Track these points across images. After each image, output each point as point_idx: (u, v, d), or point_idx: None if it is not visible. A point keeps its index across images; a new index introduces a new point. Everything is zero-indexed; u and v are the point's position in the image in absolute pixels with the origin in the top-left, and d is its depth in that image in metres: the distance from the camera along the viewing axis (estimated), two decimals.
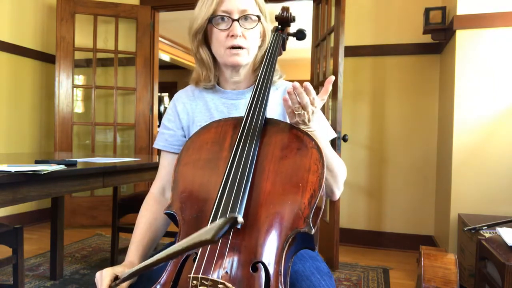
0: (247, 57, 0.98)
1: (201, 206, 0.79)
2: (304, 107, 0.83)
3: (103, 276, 0.78)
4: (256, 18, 0.97)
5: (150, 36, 3.54)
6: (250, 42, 0.97)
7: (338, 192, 0.97)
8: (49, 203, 2.68)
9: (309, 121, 0.85)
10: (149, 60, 3.56)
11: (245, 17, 0.95)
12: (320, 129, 0.91)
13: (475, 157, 2.24)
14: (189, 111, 1.07)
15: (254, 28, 0.97)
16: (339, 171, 0.94)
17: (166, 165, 1.06)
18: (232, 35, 0.94)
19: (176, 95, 1.11)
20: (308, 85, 0.82)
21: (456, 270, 1.55)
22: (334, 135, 1.06)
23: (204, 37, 1.00)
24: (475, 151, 2.24)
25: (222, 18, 0.95)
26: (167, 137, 1.07)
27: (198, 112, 1.06)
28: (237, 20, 0.94)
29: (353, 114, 3.08)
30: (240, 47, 0.95)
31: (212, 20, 0.96)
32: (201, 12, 0.97)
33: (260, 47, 1.04)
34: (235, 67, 1.00)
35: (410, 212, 2.99)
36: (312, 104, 0.83)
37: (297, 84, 0.82)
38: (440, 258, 1.61)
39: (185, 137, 1.07)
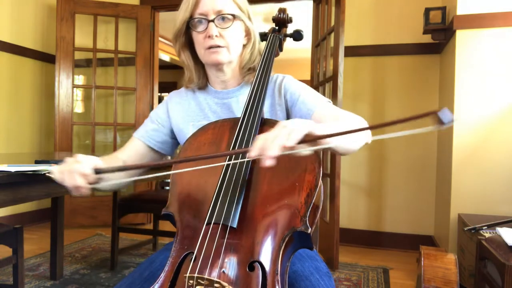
0: (227, 55, 0.99)
1: (199, 207, 0.79)
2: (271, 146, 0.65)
3: (83, 160, 0.77)
4: (232, 17, 0.98)
5: (150, 36, 3.54)
6: (229, 40, 0.98)
7: (369, 138, 0.88)
8: (49, 203, 2.68)
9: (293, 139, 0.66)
10: (149, 60, 3.56)
11: (221, 17, 0.97)
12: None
13: (475, 157, 2.24)
14: (181, 110, 1.08)
15: (230, 27, 0.98)
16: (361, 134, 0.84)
17: (131, 149, 1.08)
18: (209, 36, 0.96)
19: (169, 95, 1.13)
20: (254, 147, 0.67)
21: (456, 270, 1.55)
22: (327, 100, 1.00)
23: (188, 39, 1.03)
24: (475, 151, 2.24)
25: (199, 20, 0.97)
26: (149, 129, 1.09)
27: (192, 112, 1.07)
28: (213, 20, 0.96)
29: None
30: (218, 46, 0.97)
31: (190, 23, 0.98)
32: (179, 16, 0.99)
33: (245, 45, 1.05)
34: (217, 66, 1.01)
35: (410, 212, 2.99)
36: (270, 141, 0.65)
37: (251, 154, 0.66)
38: (440, 258, 1.61)
39: (168, 136, 1.09)
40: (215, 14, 0.96)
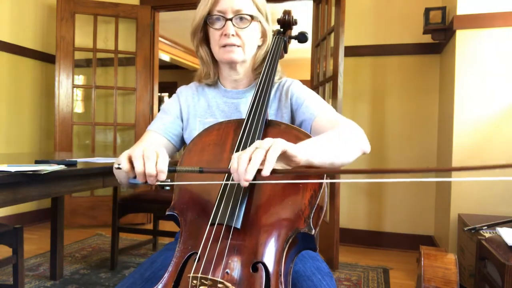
0: (242, 55, 1.00)
1: (203, 207, 0.79)
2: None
3: (162, 153, 0.71)
4: (250, 18, 0.99)
5: (150, 36, 3.54)
6: (245, 41, 0.99)
7: (367, 148, 0.91)
8: (49, 203, 2.68)
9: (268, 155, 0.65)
10: (149, 60, 3.56)
11: (240, 16, 0.98)
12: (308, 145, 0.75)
13: (475, 157, 2.24)
14: (191, 104, 1.09)
15: (248, 27, 0.99)
16: (349, 146, 0.85)
17: (152, 143, 1.03)
18: (225, 34, 0.97)
19: (179, 89, 1.13)
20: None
21: (456, 270, 1.55)
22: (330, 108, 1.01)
23: (205, 35, 1.04)
24: (475, 151, 2.24)
25: (217, 17, 0.98)
26: (166, 122, 1.07)
27: (199, 107, 1.08)
28: (231, 19, 0.97)
29: (353, 114, 3.08)
30: (233, 45, 0.98)
31: (207, 19, 0.99)
32: (198, 11, 1.00)
33: (260, 46, 1.06)
34: (231, 64, 1.02)
35: (410, 212, 2.99)
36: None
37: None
38: (440, 258, 1.61)
39: (182, 129, 1.09)
40: (233, 13, 0.97)
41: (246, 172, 0.63)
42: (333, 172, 0.70)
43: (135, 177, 0.71)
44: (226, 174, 0.78)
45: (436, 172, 0.58)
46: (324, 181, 0.73)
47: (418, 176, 0.59)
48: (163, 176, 0.70)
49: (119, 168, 0.72)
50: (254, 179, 0.65)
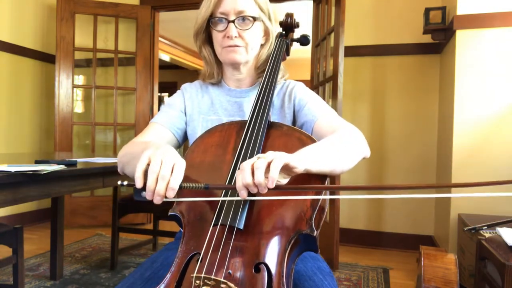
0: (245, 55, 1.01)
1: (206, 208, 0.79)
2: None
3: (180, 165, 0.70)
4: (253, 19, 0.99)
5: (150, 36, 3.54)
6: (248, 41, 1.00)
7: (367, 154, 0.93)
8: (49, 203, 2.68)
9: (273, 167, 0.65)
10: (149, 60, 3.56)
11: (242, 18, 0.98)
12: (311, 154, 0.76)
13: (475, 157, 2.24)
14: (195, 101, 1.10)
15: (250, 29, 0.99)
16: (350, 153, 0.86)
17: (157, 136, 1.02)
18: (228, 36, 0.97)
19: (183, 85, 1.14)
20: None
21: (456, 270, 1.55)
22: (331, 111, 1.02)
23: (207, 36, 1.04)
24: (475, 151, 2.24)
25: (220, 19, 0.98)
26: (171, 116, 1.07)
27: (203, 105, 1.09)
28: (233, 21, 0.97)
29: (353, 114, 3.08)
30: (236, 46, 0.98)
31: (210, 21, 0.99)
32: (201, 13, 1.00)
33: (263, 45, 1.07)
34: (234, 64, 1.03)
35: (410, 212, 2.99)
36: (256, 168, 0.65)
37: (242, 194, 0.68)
38: (440, 258, 1.61)
39: (186, 124, 1.09)
40: (235, 15, 0.97)
41: (254, 187, 0.65)
42: (332, 189, 0.71)
43: (143, 189, 0.69)
44: (229, 176, 0.78)
45: (436, 188, 0.61)
46: (324, 197, 0.75)
47: (417, 192, 0.62)
48: (170, 195, 0.68)
49: (123, 185, 0.71)
50: (254, 193, 0.67)
